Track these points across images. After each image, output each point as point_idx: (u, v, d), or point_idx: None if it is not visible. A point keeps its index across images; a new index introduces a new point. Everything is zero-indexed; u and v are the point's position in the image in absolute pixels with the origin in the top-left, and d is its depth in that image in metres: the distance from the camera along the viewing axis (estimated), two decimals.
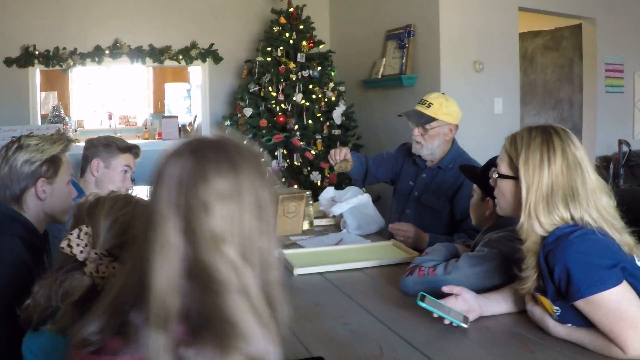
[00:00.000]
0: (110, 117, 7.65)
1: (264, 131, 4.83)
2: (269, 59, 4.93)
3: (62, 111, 7.02)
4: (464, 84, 4.27)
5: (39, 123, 5.39)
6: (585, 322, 1.29)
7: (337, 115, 4.87)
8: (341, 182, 4.64)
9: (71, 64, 5.11)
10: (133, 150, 2.36)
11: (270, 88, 4.86)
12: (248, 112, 4.87)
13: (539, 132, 1.39)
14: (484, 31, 4.37)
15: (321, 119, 4.86)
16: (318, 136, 4.84)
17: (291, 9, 5.03)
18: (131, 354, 0.77)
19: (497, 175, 1.47)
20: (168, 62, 5.40)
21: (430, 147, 2.56)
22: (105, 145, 2.29)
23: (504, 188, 1.46)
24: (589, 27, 5.10)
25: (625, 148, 4.68)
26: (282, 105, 4.84)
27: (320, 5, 5.71)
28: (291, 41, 4.95)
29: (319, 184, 4.73)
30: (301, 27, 5.00)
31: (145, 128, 7.66)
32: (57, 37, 5.03)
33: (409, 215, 2.63)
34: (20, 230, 1.59)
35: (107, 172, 2.27)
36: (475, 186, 1.94)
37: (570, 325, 1.33)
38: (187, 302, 0.80)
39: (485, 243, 1.70)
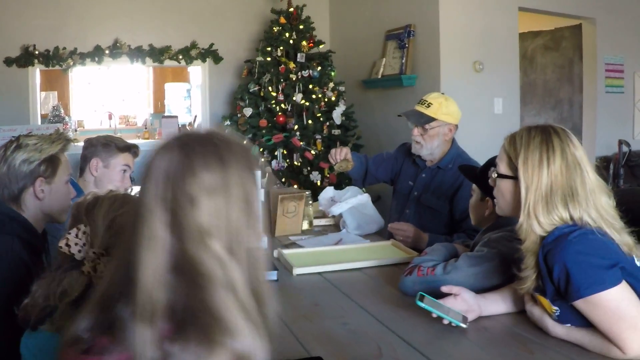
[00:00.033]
0: (110, 117, 7.64)
1: (263, 131, 4.83)
2: (268, 59, 4.94)
3: (62, 111, 7.01)
4: (464, 84, 4.27)
5: (39, 123, 5.39)
6: (584, 322, 1.29)
7: (337, 115, 4.87)
8: (341, 182, 4.64)
9: (71, 63, 5.11)
10: (132, 149, 2.35)
11: (270, 88, 4.86)
12: (248, 112, 4.88)
13: (538, 132, 1.39)
14: (484, 31, 4.37)
15: (321, 119, 4.86)
16: (318, 136, 4.84)
17: (291, 9, 5.03)
18: (119, 352, 0.76)
19: (496, 175, 1.47)
20: (168, 62, 5.41)
21: (429, 147, 2.56)
22: (104, 145, 2.29)
23: (503, 188, 1.46)
24: (589, 27, 5.10)
25: (625, 148, 4.68)
26: (282, 105, 4.84)
27: (320, 5, 5.71)
28: (291, 41, 4.95)
29: (318, 184, 4.73)
30: (301, 27, 5.00)
31: (145, 128, 7.65)
32: (57, 36, 5.04)
33: (408, 215, 2.62)
34: (18, 229, 1.59)
35: (106, 172, 2.27)
36: (474, 186, 1.94)
37: (569, 325, 1.33)
38: (174, 297, 0.79)
39: (485, 243, 1.70)
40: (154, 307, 0.78)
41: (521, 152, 1.38)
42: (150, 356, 0.75)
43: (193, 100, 7.36)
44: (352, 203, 2.58)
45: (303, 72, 4.90)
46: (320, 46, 5.13)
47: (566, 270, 1.26)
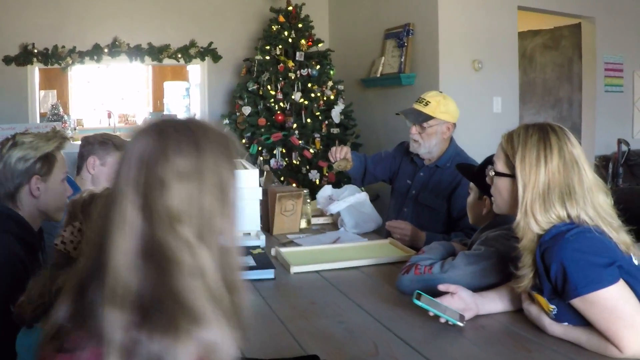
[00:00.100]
0: (109, 116, 7.63)
1: (262, 130, 4.82)
2: (267, 57, 4.93)
3: (61, 109, 7.01)
4: (463, 82, 4.27)
5: (38, 121, 5.39)
6: (581, 320, 1.29)
7: (336, 113, 4.87)
8: (340, 181, 4.63)
9: (70, 62, 5.11)
10: None
11: (269, 87, 4.85)
12: (247, 110, 4.87)
13: (535, 130, 1.38)
14: (483, 30, 4.37)
15: (320, 117, 4.86)
16: (317, 135, 4.84)
17: (290, 8, 5.03)
18: (92, 346, 0.75)
19: (493, 173, 1.46)
20: (167, 61, 5.40)
21: (427, 145, 2.55)
22: (101, 143, 2.29)
23: (500, 186, 1.45)
24: (589, 26, 5.10)
25: (624, 147, 4.68)
26: (281, 104, 4.84)
27: (319, 3, 5.71)
28: (290, 40, 4.94)
29: (317, 182, 4.73)
30: (300, 25, 4.99)
31: None
32: (56, 35, 5.03)
33: (406, 214, 2.62)
34: (14, 227, 1.59)
35: (103, 170, 2.27)
36: (472, 185, 1.93)
37: (566, 324, 1.32)
38: (143, 283, 0.78)
39: (482, 241, 1.69)
40: (124, 291, 0.76)
41: (519, 150, 1.37)
42: (119, 341, 0.74)
43: (192, 99, 7.35)
44: (350, 201, 2.58)
45: (302, 70, 4.89)
46: (319, 45, 5.13)
47: (563, 268, 1.25)
